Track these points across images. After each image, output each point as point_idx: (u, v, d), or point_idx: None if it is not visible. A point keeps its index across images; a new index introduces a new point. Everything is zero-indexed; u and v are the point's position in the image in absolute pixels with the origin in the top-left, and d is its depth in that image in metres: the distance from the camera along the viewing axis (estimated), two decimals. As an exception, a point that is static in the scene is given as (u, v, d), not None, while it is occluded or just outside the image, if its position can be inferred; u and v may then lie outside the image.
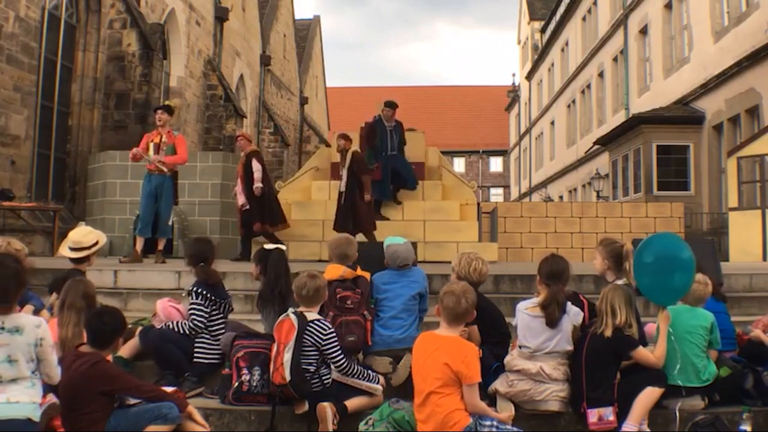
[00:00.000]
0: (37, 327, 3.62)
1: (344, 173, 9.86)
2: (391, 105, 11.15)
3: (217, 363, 4.87)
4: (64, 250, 5.31)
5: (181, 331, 4.89)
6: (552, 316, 4.29)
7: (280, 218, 10.12)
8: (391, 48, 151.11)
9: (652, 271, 4.31)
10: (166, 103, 10.31)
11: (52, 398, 4.00)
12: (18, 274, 3.66)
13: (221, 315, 5.01)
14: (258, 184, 9.63)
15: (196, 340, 4.89)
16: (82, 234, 5.34)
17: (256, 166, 9.72)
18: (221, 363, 4.85)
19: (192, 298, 4.93)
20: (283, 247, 5.30)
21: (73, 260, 5.30)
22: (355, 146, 10.27)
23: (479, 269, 4.77)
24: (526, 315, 4.40)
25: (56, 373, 3.72)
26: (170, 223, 9.03)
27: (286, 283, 4.96)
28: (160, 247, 8.90)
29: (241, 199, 9.89)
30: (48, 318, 4.60)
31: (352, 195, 9.76)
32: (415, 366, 4.12)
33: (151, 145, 8.79)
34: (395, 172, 11.05)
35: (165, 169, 8.69)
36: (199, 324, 4.89)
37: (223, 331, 4.93)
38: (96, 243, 5.30)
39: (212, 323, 4.94)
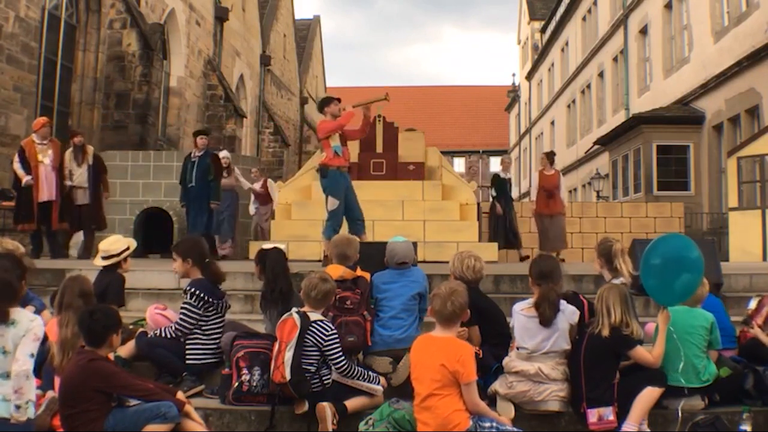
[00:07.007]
0: (30, 321, 3.70)
1: (84, 170, 9.92)
2: (200, 132, 10.64)
3: (214, 362, 4.84)
4: (97, 261, 5.48)
5: (168, 336, 4.81)
6: (545, 314, 4.30)
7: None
8: (394, 49, 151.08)
9: (658, 273, 4.31)
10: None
11: (50, 393, 4.01)
12: (8, 285, 3.70)
13: (218, 314, 4.92)
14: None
15: (189, 339, 4.80)
16: (110, 243, 5.49)
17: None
18: (219, 361, 4.83)
19: (186, 297, 4.84)
20: (282, 247, 5.30)
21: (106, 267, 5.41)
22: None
23: (472, 266, 4.79)
24: (522, 316, 4.42)
25: (25, 360, 3.54)
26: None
27: (285, 282, 4.95)
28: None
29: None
30: (49, 318, 4.61)
31: (96, 192, 9.98)
32: (413, 369, 4.11)
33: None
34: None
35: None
36: (186, 326, 4.79)
37: (220, 330, 4.88)
38: (127, 249, 5.46)
39: (207, 323, 4.85)
